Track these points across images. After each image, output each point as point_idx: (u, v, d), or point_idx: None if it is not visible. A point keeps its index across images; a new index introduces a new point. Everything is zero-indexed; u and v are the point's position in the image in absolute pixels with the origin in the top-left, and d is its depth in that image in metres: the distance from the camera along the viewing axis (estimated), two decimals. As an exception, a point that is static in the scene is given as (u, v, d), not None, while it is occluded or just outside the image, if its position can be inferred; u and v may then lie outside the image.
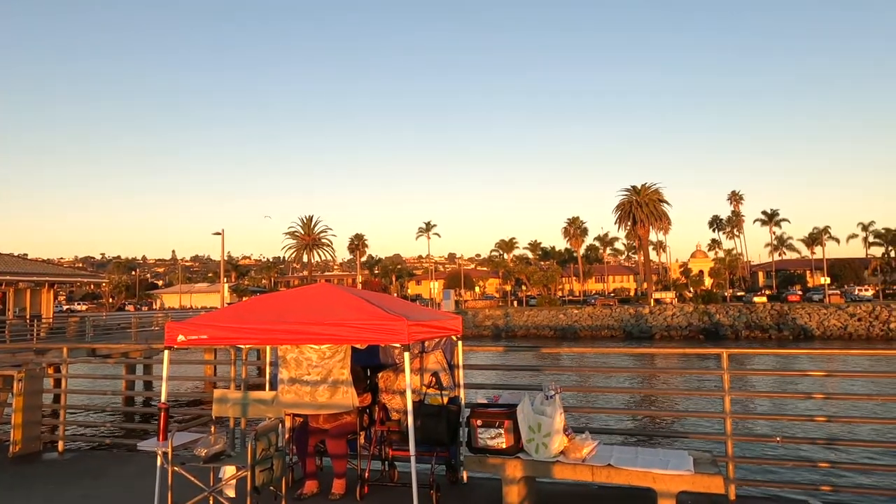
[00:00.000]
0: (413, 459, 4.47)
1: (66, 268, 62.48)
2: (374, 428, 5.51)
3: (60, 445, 7.48)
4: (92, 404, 14.45)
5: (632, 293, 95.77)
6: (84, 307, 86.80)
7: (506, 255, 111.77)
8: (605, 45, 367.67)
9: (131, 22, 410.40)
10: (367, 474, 5.31)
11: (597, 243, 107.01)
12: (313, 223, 78.74)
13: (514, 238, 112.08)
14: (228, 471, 4.63)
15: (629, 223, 67.04)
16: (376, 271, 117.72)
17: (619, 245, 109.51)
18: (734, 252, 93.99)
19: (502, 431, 4.59)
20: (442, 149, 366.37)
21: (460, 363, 5.79)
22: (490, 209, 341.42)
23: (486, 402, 5.02)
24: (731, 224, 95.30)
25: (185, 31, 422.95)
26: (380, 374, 5.83)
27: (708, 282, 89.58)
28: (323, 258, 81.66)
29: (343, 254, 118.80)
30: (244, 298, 51.91)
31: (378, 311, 4.50)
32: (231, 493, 4.67)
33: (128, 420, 18.27)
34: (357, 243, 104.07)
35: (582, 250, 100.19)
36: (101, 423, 16.06)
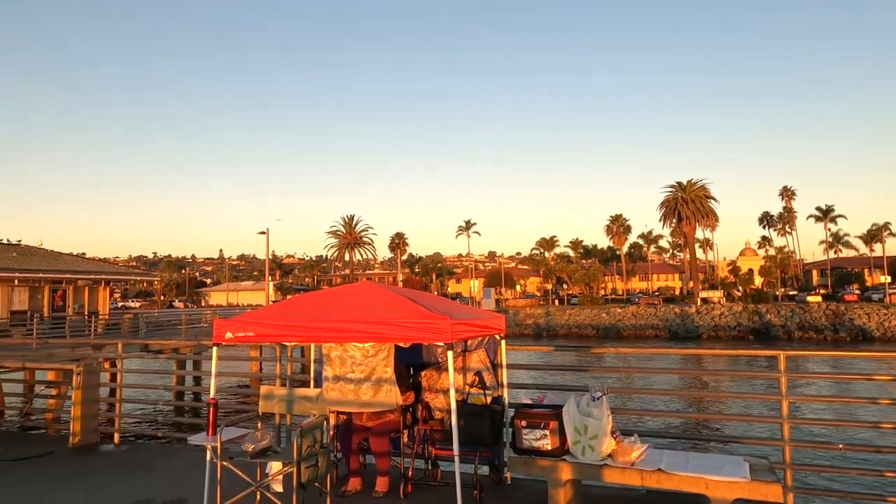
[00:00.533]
0: (457, 459, 4.43)
1: (121, 266, 65.13)
2: (417, 426, 5.50)
3: (116, 437, 7.75)
4: (145, 398, 14.98)
5: (677, 292, 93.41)
6: (137, 304, 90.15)
7: (547, 254, 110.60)
8: (647, 44, 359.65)
9: (177, 25, 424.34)
10: (410, 473, 5.31)
11: (641, 241, 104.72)
12: (355, 222, 79.95)
13: (555, 236, 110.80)
14: (275, 466, 4.69)
15: (674, 220, 65.35)
16: (417, 270, 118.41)
17: (663, 243, 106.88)
18: (786, 250, 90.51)
19: (547, 433, 4.49)
20: (483, 147, 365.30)
21: (503, 362, 5.72)
22: (531, 207, 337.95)
23: (530, 402, 4.93)
24: (782, 220, 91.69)
25: (234, 30, 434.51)
26: (423, 373, 5.81)
27: (758, 280, 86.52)
28: (364, 257, 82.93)
29: (384, 252, 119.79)
30: (288, 296, 53.09)
31: (422, 309, 4.47)
32: (278, 487, 4.74)
33: (178, 414, 18.87)
34: (398, 242, 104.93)
35: (625, 248, 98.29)
36: (153, 416, 16.62)
